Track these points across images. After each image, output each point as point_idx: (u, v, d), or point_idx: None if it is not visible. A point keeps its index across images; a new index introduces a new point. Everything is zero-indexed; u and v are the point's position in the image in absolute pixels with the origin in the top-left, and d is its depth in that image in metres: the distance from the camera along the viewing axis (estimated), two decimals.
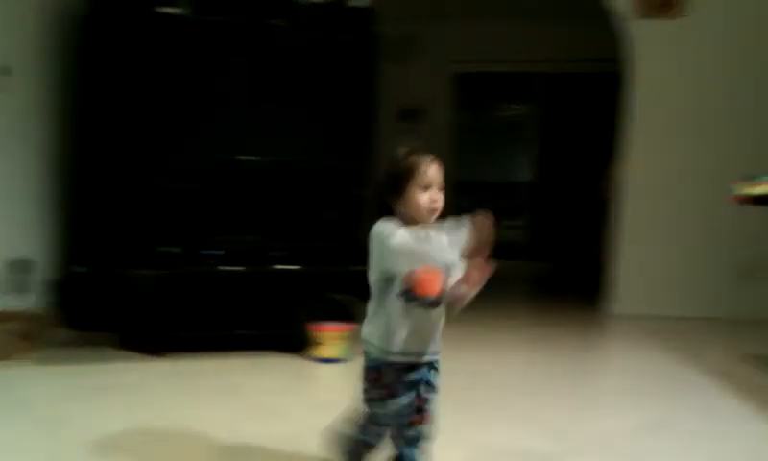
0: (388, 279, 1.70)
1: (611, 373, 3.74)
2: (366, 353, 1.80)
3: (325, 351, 3.40)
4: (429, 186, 1.71)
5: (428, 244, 1.67)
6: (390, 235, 1.65)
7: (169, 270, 3.38)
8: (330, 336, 3.40)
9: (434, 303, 1.71)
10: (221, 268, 3.45)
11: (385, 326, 1.73)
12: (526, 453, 2.35)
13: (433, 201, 1.71)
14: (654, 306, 4.77)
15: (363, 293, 3.60)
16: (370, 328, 1.79)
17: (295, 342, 3.47)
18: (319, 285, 3.58)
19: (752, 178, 3.16)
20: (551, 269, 7.17)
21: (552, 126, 7.52)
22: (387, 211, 1.74)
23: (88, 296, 3.45)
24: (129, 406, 2.71)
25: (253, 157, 3.52)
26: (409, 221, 1.70)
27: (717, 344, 4.08)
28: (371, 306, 1.79)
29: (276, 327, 3.54)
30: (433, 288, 1.64)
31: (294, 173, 3.70)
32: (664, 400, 3.01)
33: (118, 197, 3.45)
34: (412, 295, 1.67)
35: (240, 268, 3.49)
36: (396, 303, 1.70)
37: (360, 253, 3.85)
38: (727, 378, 3.28)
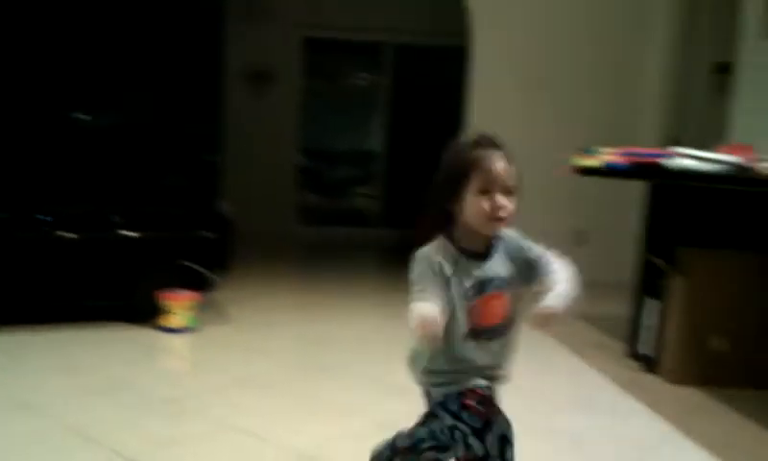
0: None
1: None
2: None
3: (174, 320, 3.27)
4: (491, 189, 1.37)
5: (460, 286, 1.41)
6: (414, 288, 1.45)
7: None
8: (179, 305, 3.27)
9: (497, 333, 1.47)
10: (56, 234, 3.19)
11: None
12: (373, 413, 2.41)
13: (495, 208, 1.37)
14: None
15: (213, 260, 3.51)
16: None
17: (141, 312, 3.30)
18: (166, 252, 3.42)
19: (587, 150, 3.41)
20: (403, 237, 7.34)
21: (403, 96, 7.66)
22: (444, 220, 1.46)
23: None
24: None
25: (89, 117, 3.28)
26: (468, 232, 1.42)
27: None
28: None
29: (121, 297, 3.34)
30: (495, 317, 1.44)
31: (135, 135, 3.51)
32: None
33: None
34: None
35: (76, 235, 3.24)
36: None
37: (210, 219, 3.75)
38: (561, 335, 3.55)
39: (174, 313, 3.26)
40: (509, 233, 1.47)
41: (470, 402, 1.43)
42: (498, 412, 1.46)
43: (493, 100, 5.01)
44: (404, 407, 2.45)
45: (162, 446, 2.07)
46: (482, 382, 1.46)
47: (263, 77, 6.91)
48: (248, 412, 2.36)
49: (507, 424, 1.45)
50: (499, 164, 1.39)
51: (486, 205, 1.37)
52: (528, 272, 1.46)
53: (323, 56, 7.61)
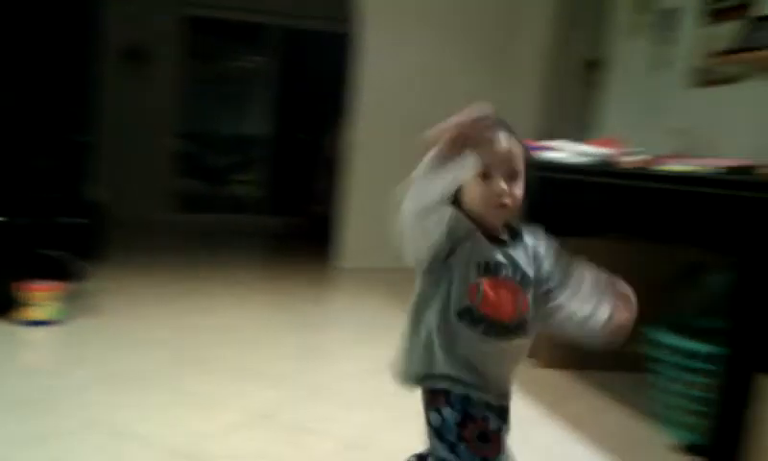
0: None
1: (336, 324, 3.91)
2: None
3: (36, 312, 3.04)
4: (492, 173, 1.21)
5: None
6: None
7: None
8: (41, 296, 3.05)
9: (507, 330, 1.24)
10: None
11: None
12: (250, 404, 2.36)
13: (497, 194, 1.20)
14: (380, 260, 5.06)
15: (82, 248, 3.30)
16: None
17: None
18: (27, 240, 3.18)
19: None
20: (287, 224, 7.24)
21: (288, 80, 7.54)
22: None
23: None
24: None
25: None
26: (476, 219, 1.23)
27: None
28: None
29: None
30: (504, 309, 1.23)
31: None
32: (387, 347, 3.21)
33: None
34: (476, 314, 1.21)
35: None
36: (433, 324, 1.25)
37: (79, 204, 3.53)
38: None
39: (36, 305, 3.03)
40: (537, 233, 1.31)
41: (469, 435, 1.22)
42: (502, 451, 1.25)
43: (381, 88, 5.03)
44: (279, 397, 2.44)
45: (22, 446, 1.91)
46: (486, 412, 1.24)
47: (141, 56, 6.58)
48: (118, 408, 2.23)
49: None
50: (503, 144, 1.22)
51: (485, 190, 1.21)
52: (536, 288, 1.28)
53: (206, 36, 7.36)
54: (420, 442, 1.32)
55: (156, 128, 6.69)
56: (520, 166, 1.23)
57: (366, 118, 5.07)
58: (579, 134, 3.82)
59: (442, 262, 1.21)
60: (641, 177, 2.41)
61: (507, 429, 1.28)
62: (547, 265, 1.29)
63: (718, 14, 3.22)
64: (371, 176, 5.08)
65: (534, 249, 1.29)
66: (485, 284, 1.21)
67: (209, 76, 7.67)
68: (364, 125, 5.08)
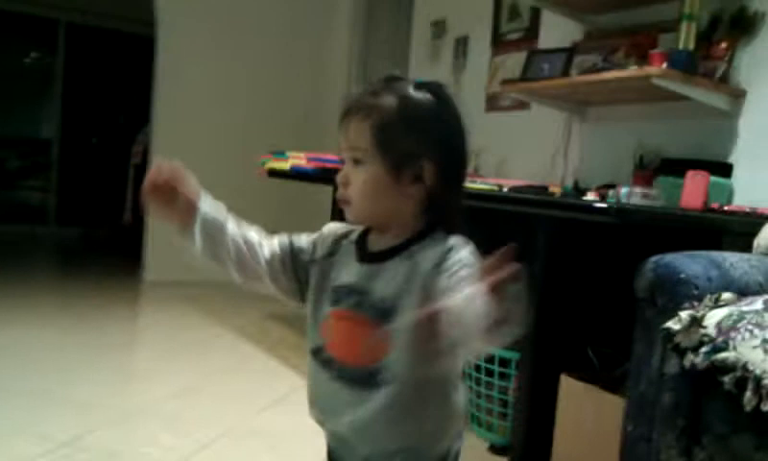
0: None
1: (146, 342, 3.72)
2: None
3: None
4: (343, 159, 0.99)
5: None
6: None
7: None
8: None
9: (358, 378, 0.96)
10: None
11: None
12: (62, 431, 2.18)
13: (339, 182, 0.99)
14: (185, 272, 4.85)
15: None
16: None
17: None
18: None
19: (277, 153, 3.48)
20: (83, 235, 6.73)
21: (81, 81, 7.02)
22: None
23: None
24: None
25: None
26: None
27: (247, 306, 4.30)
28: None
29: None
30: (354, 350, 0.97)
31: None
32: (200, 364, 3.12)
33: None
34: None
35: None
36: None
37: None
38: (252, 335, 3.59)
39: None
40: (442, 240, 0.95)
41: None
42: None
43: (181, 95, 4.85)
44: (73, 422, 2.26)
45: None
46: None
47: None
48: None
49: None
50: (351, 123, 0.97)
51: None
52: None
53: None
54: None
55: None
56: (364, 148, 0.95)
57: (167, 126, 4.86)
58: None
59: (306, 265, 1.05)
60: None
61: None
62: (441, 288, 0.87)
63: (505, 45, 3.54)
64: None
65: (426, 266, 0.93)
66: (328, 317, 1.00)
67: None
68: (166, 133, 4.86)
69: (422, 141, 0.96)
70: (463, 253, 0.92)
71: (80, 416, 2.34)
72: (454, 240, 0.94)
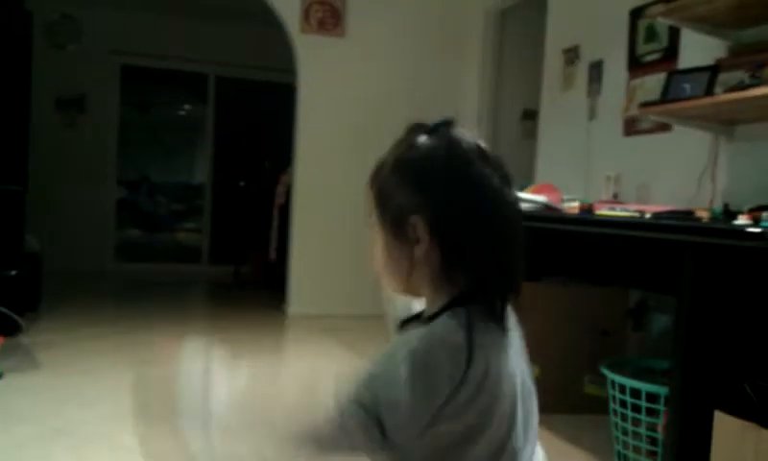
0: None
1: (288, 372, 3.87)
2: None
3: None
4: None
5: None
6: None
7: None
8: None
9: None
10: None
11: None
12: None
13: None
14: (325, 306, 5.05)
15: (16, 300, 3.20)
16: None
17: None
18: None
19: None
20: (233, 272, 7.15)
21: (229, 129, 7.52)
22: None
23: None
24: None
25: None
26: None
27: (383, 337, 4.38)
28: None
29: None
30: None
31: None
32: None
33: None
34: None
35: None
36: None
37: (12, 255, 3.42)
38: None
39: None
40: (437, 325, 0.83)
41: None
42: None
43: (319, 139, 5.09)
44: None
45: None
46: None
47: (76, 105, 6.48)
48: None
49: None
50: (368, 192, 0.92)
51: None
52: None
53: (144, 85, 7.31)
54: None
55: (93, 176, 6.56)
56: (371, 212, 0.90)
57: (306, 168, 5.12)
58: (517, 182, 3.95)
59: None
60: (583, 222, 2.51)
61: None
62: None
63: (642, 67, 3.42)
64: (313, 224, 5.11)
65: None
66: None
67: (150, 124, 7.60)
68: (305, 174, 5.11)
69: (412, 195, 0.85)
70: (370, 367, 0.81)
71: None
72: (421, 334, 0.80)
